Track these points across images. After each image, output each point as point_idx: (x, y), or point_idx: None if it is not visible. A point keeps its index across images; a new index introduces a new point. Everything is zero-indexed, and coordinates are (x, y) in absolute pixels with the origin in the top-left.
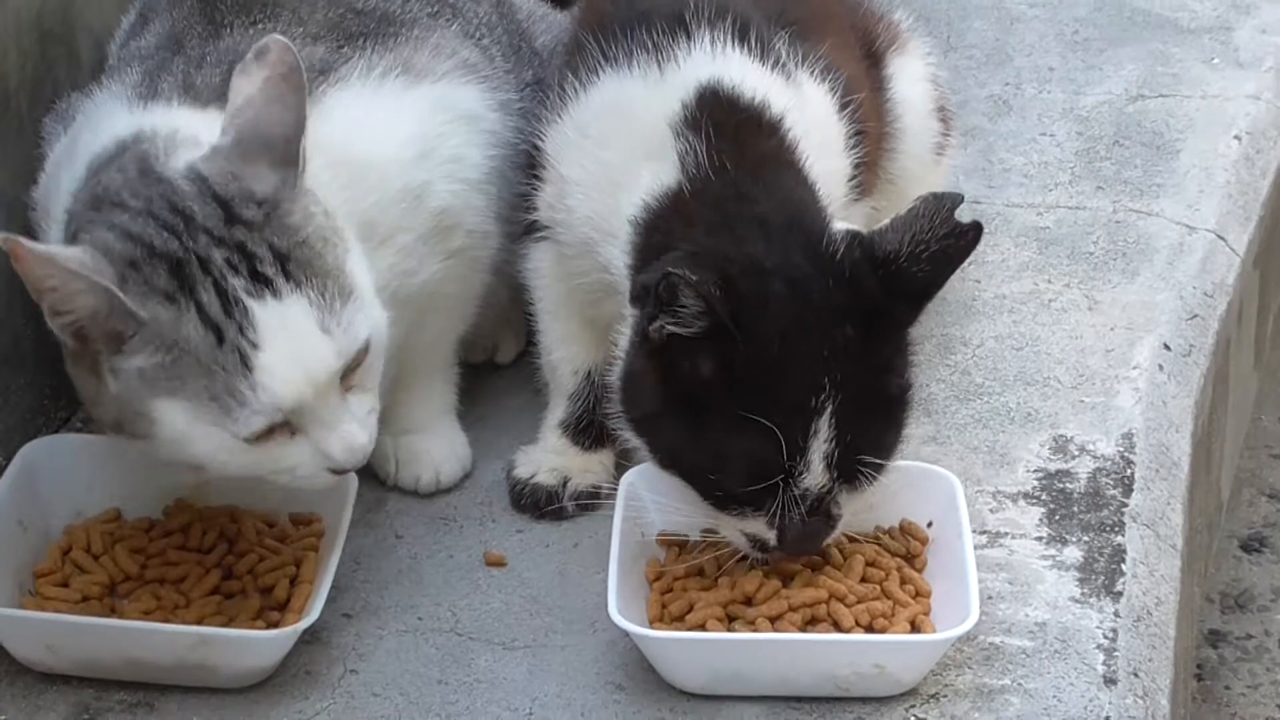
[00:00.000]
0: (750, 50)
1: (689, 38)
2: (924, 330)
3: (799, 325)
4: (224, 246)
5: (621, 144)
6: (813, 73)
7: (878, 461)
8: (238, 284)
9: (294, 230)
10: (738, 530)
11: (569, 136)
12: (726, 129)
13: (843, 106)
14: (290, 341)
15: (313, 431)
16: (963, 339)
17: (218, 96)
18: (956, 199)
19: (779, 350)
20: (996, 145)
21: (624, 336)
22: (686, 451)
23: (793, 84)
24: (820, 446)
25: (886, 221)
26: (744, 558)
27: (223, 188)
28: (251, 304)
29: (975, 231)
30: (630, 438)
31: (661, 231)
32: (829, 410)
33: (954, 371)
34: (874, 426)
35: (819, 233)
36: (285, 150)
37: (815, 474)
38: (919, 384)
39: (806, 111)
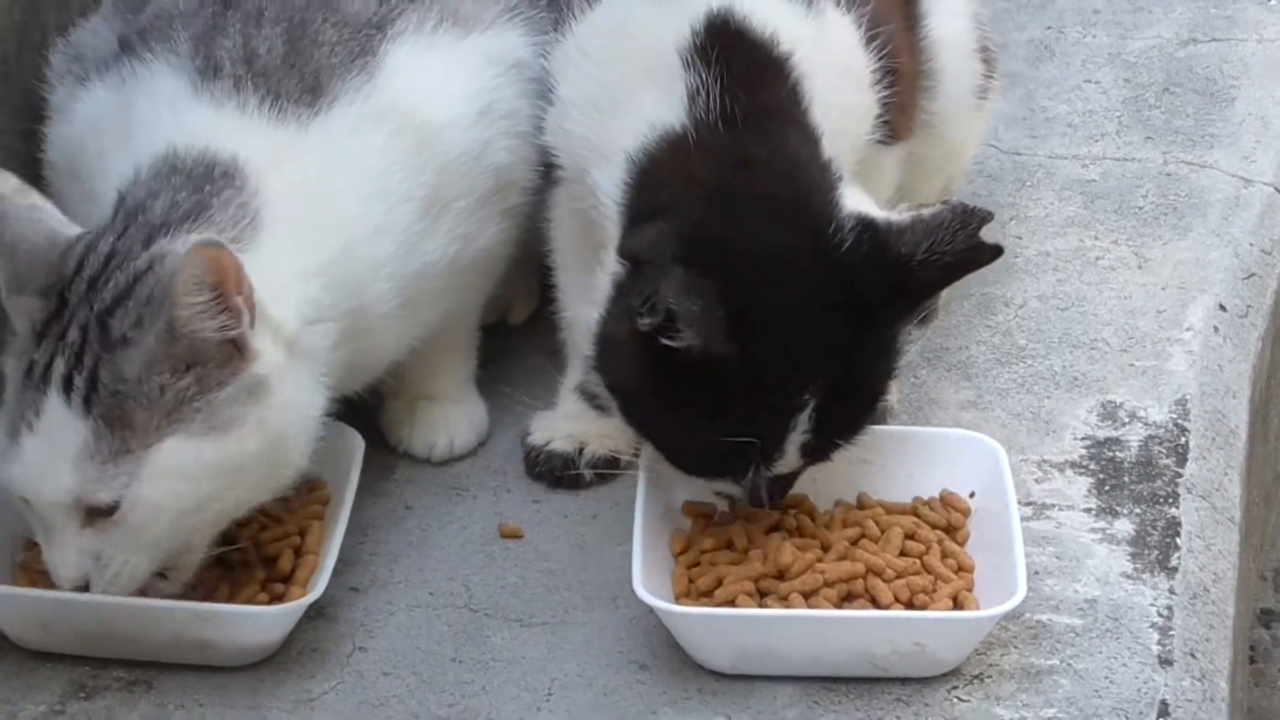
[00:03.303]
0: None
1: None
2: (963, 289)
3: (794, 332)
4: (80, 332)
5: (623, 64)
6: (838, 3)
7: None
8: (59, 370)
9: (124, 377)
10: (704, 485)
11: (570, 56)
12: (737, 66)
13: (870, 40)
14: (46, 450)
15: (39, 532)
16: (1004, 298)
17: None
18: (985, 216)
19: (771, 362)
20: (1038, 93)
21: (604, 279)
22: (662, 428)
23: (814, 11)
24: (797, 439)
25: (906, 216)
26: (775, 528)
27: (129, 290)
28: (52, 395)
29: (995, 253)
30: (602, 393)
31: (659, 182)
32: (810, 407)
33: (995, 333)
34: (854, 416)
35: (826, 219)
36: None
37: (789, 460)
38: (957, 346)
39: (826, 42)
